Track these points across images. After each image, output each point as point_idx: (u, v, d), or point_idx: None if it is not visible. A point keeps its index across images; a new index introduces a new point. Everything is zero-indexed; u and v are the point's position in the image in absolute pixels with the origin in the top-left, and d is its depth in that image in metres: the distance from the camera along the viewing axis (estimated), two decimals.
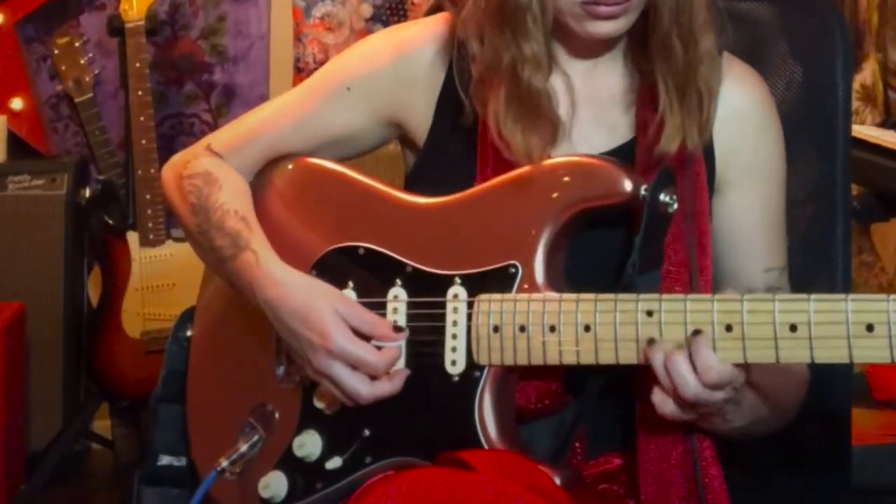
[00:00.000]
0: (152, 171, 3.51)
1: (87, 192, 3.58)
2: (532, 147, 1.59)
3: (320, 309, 1.59)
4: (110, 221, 3.58)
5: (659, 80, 1.60)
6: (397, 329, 1.60)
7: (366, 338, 1.58)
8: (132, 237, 3.57)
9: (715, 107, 1.61)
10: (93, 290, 3.66)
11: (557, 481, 1.50)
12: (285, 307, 1.61)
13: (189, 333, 1.85)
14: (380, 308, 1.63)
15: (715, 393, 1.45)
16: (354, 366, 1.57)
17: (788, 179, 1.74)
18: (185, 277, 3.45)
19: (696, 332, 1.45)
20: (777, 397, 1.61)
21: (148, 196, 3.54)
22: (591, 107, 1.68)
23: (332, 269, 1.67)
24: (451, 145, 1.69)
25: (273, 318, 1.63)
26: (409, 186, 1.73)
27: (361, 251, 1.67)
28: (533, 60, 1.59)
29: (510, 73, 1.60)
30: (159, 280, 3.56)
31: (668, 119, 1.58)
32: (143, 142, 3.56)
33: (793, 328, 1.40)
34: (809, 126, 1.89)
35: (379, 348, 1.58)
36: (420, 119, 1.72)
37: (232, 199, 1.72)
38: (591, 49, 1.67)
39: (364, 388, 1.57)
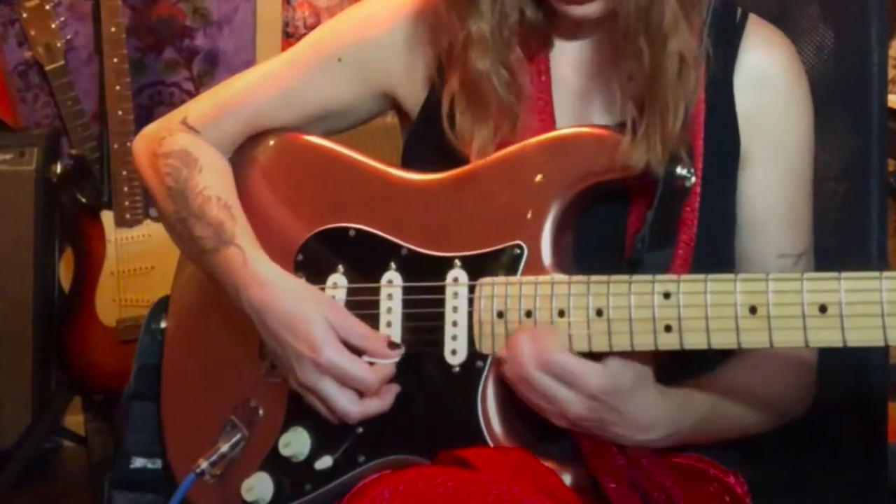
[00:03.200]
0: (129, 144, 3.49)
1: (59, 168, 3.57)
2: (476, 136, 1.59)
3: (310, 317, 1.58)
4: (83, 199, 3.57)
5: (617, 89, 1.58)
6: (392, 345, 1.59)
7: (356, 351, 1.58)
8: (107, 217, 3.56)
9: (682, 123, 1.53)
10: (64, 275, 3.66)
11: (567, 481, 1.49)
12: (272, 312, 1.60)
13: (163, 325, 1.84)
14: (373, 294, 1.62)
15: (558, 386, 1.47)
16: (343, 382, 1.57)
17: (818, 154, 1.72)
18: (165, 260, 3.39)
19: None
20: (749, 396, 1.60)
21: (124, 172, 3.53)
22: (598, 78, 1.67)
23: (321, 252, 1.66)
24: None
25: (257, 322, 1.62)
26: (405, 162, 1.72)
27: (352, 233, 1.66)
28: (479, 41, 1.58)
29: (462, 53, 1.60)
30: (136, 263, 3.56)
31: (630, 137, 1.53)
32: (119, 113, 3.55)
33: (822, 309, 1.38)
34: (841, 96, 1.89)
35: (371, 362, 1.58)
36: (415, 90, 1.72)
37: (213, 182, 1.71)
38: (584, 26, 1.66)
39: (352, 407, 1.57)
